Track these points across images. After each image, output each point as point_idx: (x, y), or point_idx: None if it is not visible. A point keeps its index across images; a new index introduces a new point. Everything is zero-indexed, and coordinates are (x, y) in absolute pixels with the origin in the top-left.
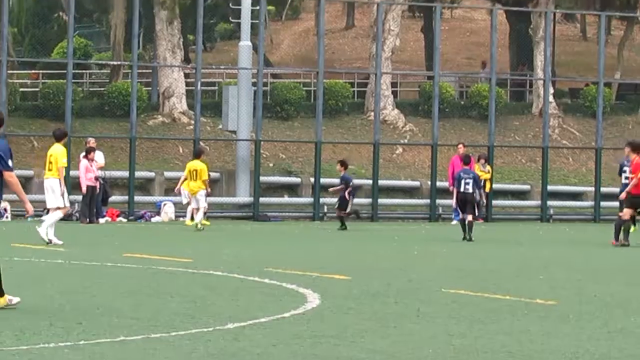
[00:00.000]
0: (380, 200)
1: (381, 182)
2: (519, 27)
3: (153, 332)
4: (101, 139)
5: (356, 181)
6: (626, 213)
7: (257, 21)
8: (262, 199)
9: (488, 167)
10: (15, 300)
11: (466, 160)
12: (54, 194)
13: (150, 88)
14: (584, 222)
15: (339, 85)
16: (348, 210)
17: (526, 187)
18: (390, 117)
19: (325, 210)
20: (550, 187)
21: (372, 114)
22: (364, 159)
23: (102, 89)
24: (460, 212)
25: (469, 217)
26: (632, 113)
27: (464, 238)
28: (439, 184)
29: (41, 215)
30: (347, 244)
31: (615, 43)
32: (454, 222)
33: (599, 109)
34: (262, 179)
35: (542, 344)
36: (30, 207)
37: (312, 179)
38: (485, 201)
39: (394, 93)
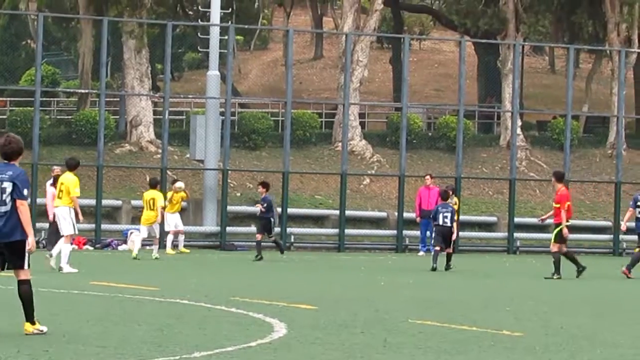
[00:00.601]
0: (347, 231)
1: (348, 212)
2: (487, 59)
3: None
4: None
5: (324, 212)
6: (554, 246)
7: (226, 51)
8: (229, 228)
9: (455, 199)
10: (44, 329)
11: (444, 195)
12: (65, 221)
13: (117, 116)
14: (549, 254)
15: (307, 116)
16: (272, 234)
17: (493, 218)
18: (357, 147)
19: (293, 240)
20: (517, 219)
21: (340, 144)
22: (331, 189)
23: (69, 117)
24: (434, 244)
25: (449, 250)
26: (600, 146)
27: (433, 269)
28: (405, 215)
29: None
30: (313, 274)
31: (584, 76)
32: (421, 253)
33: (567, 142)
34: (230, 208)
35: None
36: (33, 243)
37: (280, 209)
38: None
39: (362, 124)
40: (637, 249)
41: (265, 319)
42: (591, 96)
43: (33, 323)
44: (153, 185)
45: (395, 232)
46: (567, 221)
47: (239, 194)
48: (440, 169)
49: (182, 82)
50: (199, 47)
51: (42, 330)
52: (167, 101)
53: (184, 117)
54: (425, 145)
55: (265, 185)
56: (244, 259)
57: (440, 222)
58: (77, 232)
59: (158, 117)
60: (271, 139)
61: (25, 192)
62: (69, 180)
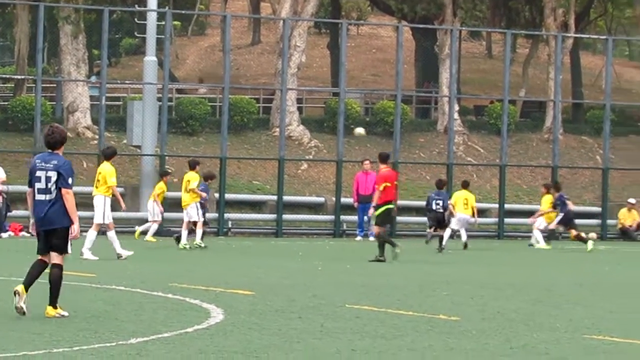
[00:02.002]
0: (285, 216)
1: (286, 198)
2: (425, 45)
3: (55, 347)
4: (5, 154)
5: (261, 197)
6: (375, 228)
7: (163, 36)
8: (166, 214)
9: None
10: (65, 314)
11: (439, 184)
12: (98, 210)
13: (54, 102)
14: (487, 239)
15: (245, 101)
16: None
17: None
18: (295, 133)
19: (230, 225)
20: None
21: (278, 129)
22: (269, 174)
23: (5, 103)
24: (429, 226)
25: (443, 232)
26: (537, 130)
27: (440, 249)
28: (343, 200)
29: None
30: (251, 260)
31: (520, 61)
32: (359, 238)
33: (504, 127)
34: (167, 194)
35: None
36: (77, 229)
37: (217, 195)
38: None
39: (300, 109)
40: None
41: (202, 304)
42: (528, 81)
43: (55, 307)
44: (192, 166)
45: (333, 217)
46: (391, 203)
47: (176, 180)
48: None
49: (119, 68)
50: (136, 33)
51: (63, 315)
52: (104, 87)
53: (121, 103)
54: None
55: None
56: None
57: (434, 208)
58: (108, 221)
59: (95, 103)
60: (208, 124)
61: (70, 180)
62: (106, 169)
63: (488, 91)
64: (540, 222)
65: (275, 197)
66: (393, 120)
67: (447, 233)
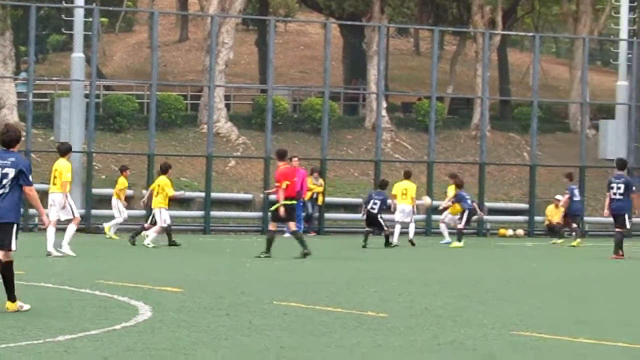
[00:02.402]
0: (213, 213)
1: (214, 194)
2: (353, 42)
3: None
4: None
5: (189, 194)
6: (272, 225)
7: (90, 33)
8: (94, 211)
9: (321, 181)
10: (26, 307)
11: (382, 184)
12: (62, 208)
13: None
14: (415, 235)
15: (172, 98)
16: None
17: (358, 200)
18: (223, 130)
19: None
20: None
21: (205, 126)
22: (197, 171)
23: None
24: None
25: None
26: (464, 127)
27: (364, 246)
28: (271, 197)
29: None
30: (179, 257)
31: (448, 58)
32: (287, 234)
33: (431, 123)
34: (95, 190)
35: (373, 357)
36: (47, 220)
37: (144, 191)
38: (318, 214)
39: (228, 106)
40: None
41: (130, 302)
42: (455, 78)
43: (13, 301)
44: (164, 170)
45: (261, 214)
46: (291, 199)
47: (103, 177)
48: (306, 151)
49: (46, 65)
50: (63, 29)
51: (23, 307)
52: (31, 84)
53: (49, 99)
54: (291, 127)
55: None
56: (108, 242)
57: (370, 207)
58: (77, 215)
59: (22, 99)
60: (136, 121)
61: (30, 177)
62: (62, 165)
63: (416, 88)
64: (445, 215)
65: (203, 194)
66: (321, 117)
67: (397, 229)
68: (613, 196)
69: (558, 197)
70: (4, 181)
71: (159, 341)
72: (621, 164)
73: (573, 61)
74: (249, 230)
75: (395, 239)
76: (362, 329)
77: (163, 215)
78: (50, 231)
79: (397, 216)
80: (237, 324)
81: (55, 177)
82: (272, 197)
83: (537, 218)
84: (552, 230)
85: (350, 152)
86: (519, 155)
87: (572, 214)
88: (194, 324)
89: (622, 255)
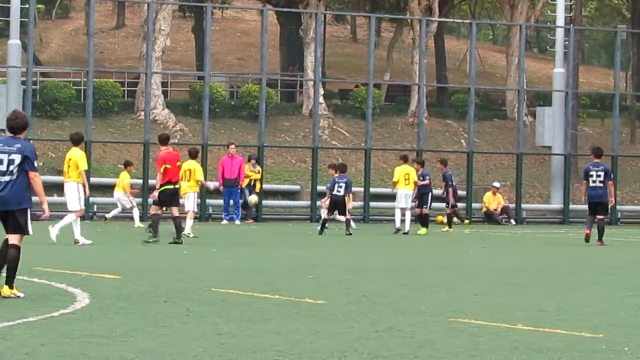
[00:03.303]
0: (150, 200)
1: (151, 181)
2: (290, 28)
3: None
4: None
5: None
6: (153, 209)
7: (27, 19)
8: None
9: (258, 168)
10: (21, 294)
11: (342, 168)
12: (71, 197)
13: None
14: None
15: (109, 85)
16: None
17: (296, 187)
18: (160, 116)
19: (95, 209)
20: (319, 187)
21: (143, 113)
22: (134, 158)
23: None
24: (327, 212)
25: (343, 217)
26: (402, 114)
27: (320, 233)
28: (209, 184)
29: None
30: (117, 244)
31: (385, 45)
32: (224, 221)
33: (369, 110)
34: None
35: (311, 343)
36: (47, 209)
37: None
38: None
39: (165, 93)
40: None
41: (67, 289)
42: (393, 65)
43: (11, 287)
44: (194, 155)
45: (198, 201)
46: (171, 184)
47: (41, 164)
48: (244, 138)
49: None
50: None
51: (18, 296)
52: None
53: None
54: (228, 114)
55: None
56: (46, 229)
57: (335, 192)
58: (82, 207)
59: None
60: (73, 108)
61: (36, 164)
62: (76, 155)
63: (353, 75)
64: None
65: (140, 181)
66: (258, 104)
67: (407, 215)
68: (592, 184)
69: (496, 184)
70: (11, 167)
71: (96, 328)
72: (599, 152)
73: (510, 48)
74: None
75: (407, 226)
76: (300, 315)
77: (195, 200)
78: (73, 220)
79: (401, 202)
80: (175, 311)
81: (69, 166)
82: (213, 183)
83: (474, 205)
84: (490, 217)
85: (287, 139)
86: (457, 142)
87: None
88: (131, 310)
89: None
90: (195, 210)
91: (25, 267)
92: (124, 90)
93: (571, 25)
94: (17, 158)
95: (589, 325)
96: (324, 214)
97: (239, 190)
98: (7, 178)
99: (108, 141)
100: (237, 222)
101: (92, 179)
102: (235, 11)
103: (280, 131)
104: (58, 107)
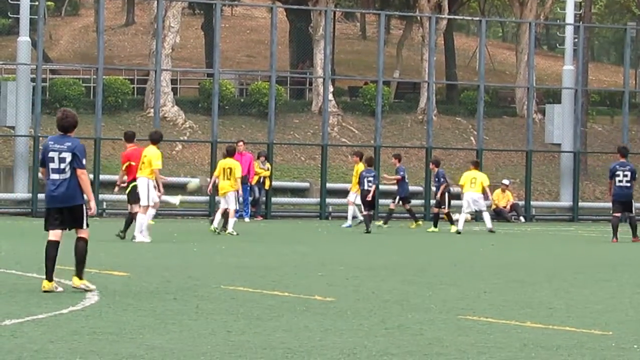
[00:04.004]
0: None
1: (170, 179)
2: (299, 25)
3: None
4: None
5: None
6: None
7: (36, 16)
8: (40, 195)
9: (268, 165)
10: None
11: (369, 162)
12: (143, 193)
13: None
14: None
15: (119, 82)
16: None
17: (305, 184)
18: (170, 114)
19: (105, 207)
20: (329, 185)
21: (152, 110)
22: None
23: None
24: (364, 209)
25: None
26: (411, 111)
27: (367, 231)
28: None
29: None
30: (125, 241)
31: (395, 42)
32: (247, 219)
33: (378, 108)
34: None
35: (320, 340)
36: (94, 206)
37: (92, 176)
38: (265, 198)
39: (174, 90)
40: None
41: None
42: (402, 62)
43: (81, 278)
44: (231, 153)
45: (208, 198)
46: (134, 181)
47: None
48: (253, 135)
49: None
50: (9, 13)
51: (88, 287)
52: None
53: None
54: (238, 111)
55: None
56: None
57: (365, 187)
58: (151, 203)
59: None
60: (83, 105)
61: (84, 161)
62: (151, 153)
63: (362, 72)
64: (353, 196)
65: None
66: (267, 101)
67: (461, 217)
68: (619, 183)
69: (505, 181)
70: (62, 165)
71: (105, 325)
72: (625, 151)
73: (519, 45)
74: (197, 214)
75: (460, 226)
76: (309, 313)
77: (236, 199)
78: (141, 216)
79: (464, 205)
80: (184, 308)
81: (143, 162)
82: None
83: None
84: (499, 215)
85: (297, 137)
86: (466, 140)
87: (404, 195)
88: (140, 307)
89: (617, 239)
90: (237, 208)
91: (35, 264)
92: (133, 88)
93: (580, 22)
94: (68, 156)
95: (598, 322)
96: (353, 211)
97: (248, 188)
98: (62, 176)
99: (117, 138)
100: (247, 219)
101: (102, 176)
102: (244, 8)
103: (290, 128)
104: (67, 104)
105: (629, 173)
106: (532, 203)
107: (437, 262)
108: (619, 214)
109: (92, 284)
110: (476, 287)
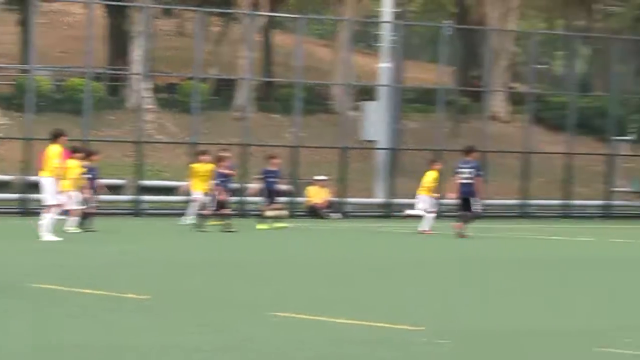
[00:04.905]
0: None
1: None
2: (117, 22)
3: None
4: None
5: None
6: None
7: None
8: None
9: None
10: None
11: (470, 150)
12: (44, 192)
13: None
14: (175, 217)
15: None
16: None
17: (121, 181)
18: None
19: None
20: (145, 182)
21: None
22: None
23: None
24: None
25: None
26: (228, 108)
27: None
28: (32, 178)
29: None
30: None
31: (213, 39)
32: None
33: (195, 104)
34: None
35: (134, 338)
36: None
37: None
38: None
39: None
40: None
41: None
42: (220, 59)
43: None
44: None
45: (21, 195)
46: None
47: None
48: (69, 131)
49: None
50: None
51: None
52: None
53: None
54: (53, 107)
55: None
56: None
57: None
58: (54, 202)
59: None
60: None
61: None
62: (50, 151)
63: (180, 69)
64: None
65: None
66: (83, 97)
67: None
68: (461, 180)
69: (318, 177)
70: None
71: None
72: (468, 149)
73: (337, 43)
74: (9, 212)
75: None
76: (122, 310)
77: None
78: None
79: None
80: None
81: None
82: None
83: (299, 199)
84: (314, 211)
85: (112, 133)
86: (282, 137)
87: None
88: None
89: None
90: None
91: None
92: None
93: (395, 20)
94: None
95: (411, 318)
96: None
97: None
98: None
99: None
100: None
101: None
102: (62, 4)
103: (106, 125)
104: None
105: (471, 170)
106: (348, 199)
107: (251, 260)
108: (463, 211)
109: None
110: (289, 283)
